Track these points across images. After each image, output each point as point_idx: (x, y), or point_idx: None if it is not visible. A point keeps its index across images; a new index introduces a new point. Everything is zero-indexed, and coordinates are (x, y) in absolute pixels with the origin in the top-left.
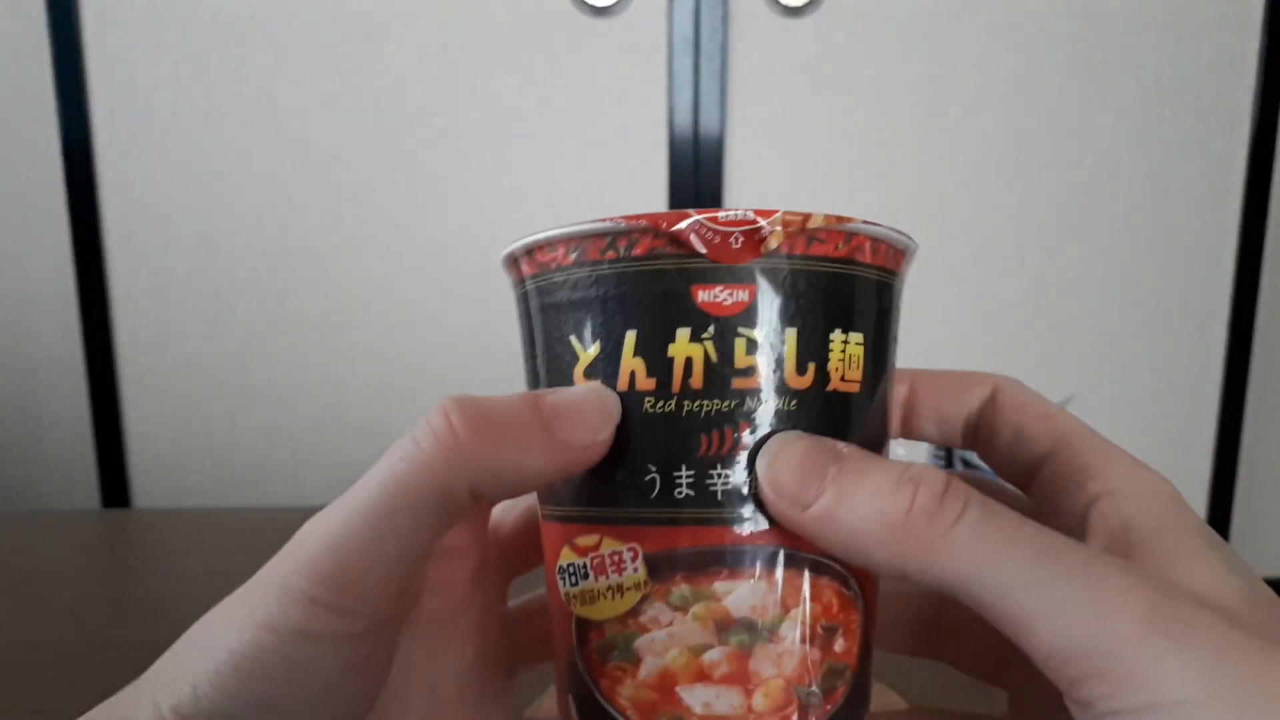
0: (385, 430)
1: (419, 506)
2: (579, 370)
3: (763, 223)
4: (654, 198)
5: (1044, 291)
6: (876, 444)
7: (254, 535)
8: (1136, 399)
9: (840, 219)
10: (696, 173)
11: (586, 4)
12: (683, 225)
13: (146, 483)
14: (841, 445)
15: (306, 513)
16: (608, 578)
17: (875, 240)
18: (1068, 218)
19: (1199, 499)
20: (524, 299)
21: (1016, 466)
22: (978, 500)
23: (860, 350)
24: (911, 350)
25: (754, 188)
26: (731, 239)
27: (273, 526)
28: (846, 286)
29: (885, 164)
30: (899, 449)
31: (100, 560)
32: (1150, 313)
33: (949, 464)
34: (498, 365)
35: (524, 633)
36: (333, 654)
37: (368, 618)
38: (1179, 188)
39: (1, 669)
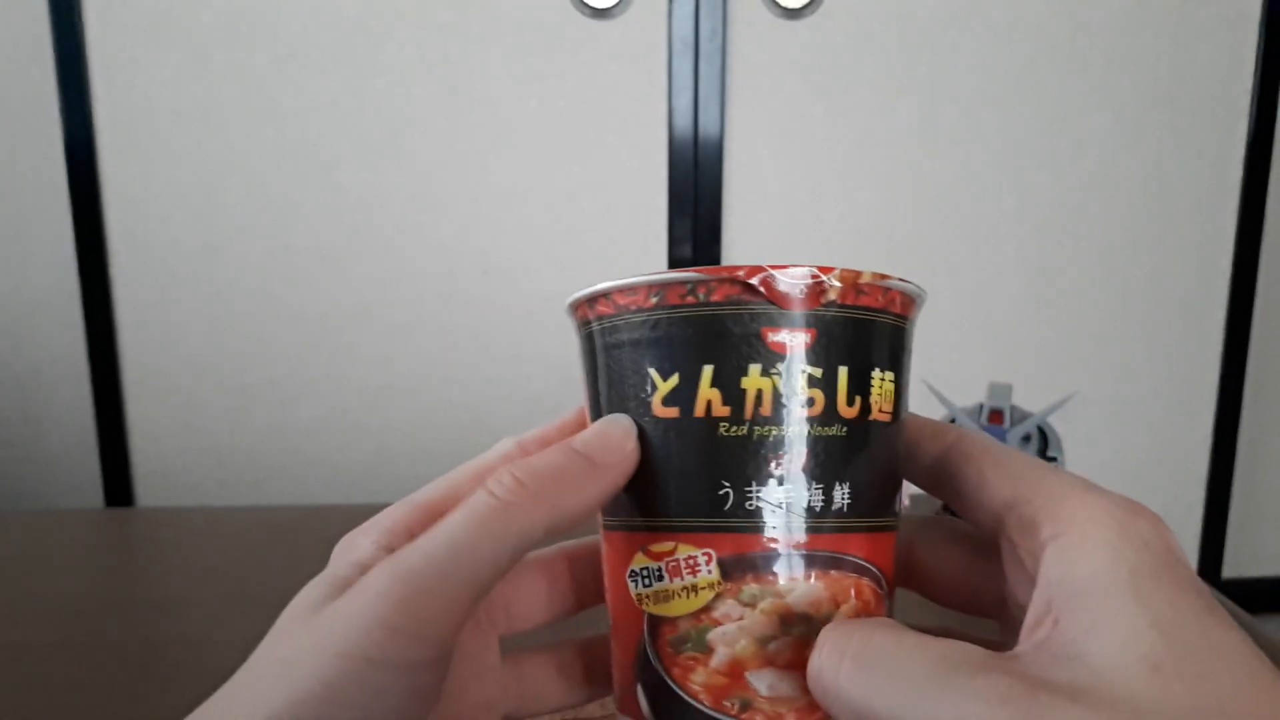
0: (387, 430)
1: (499, 544)
2: (659, 398)
3: (824, 278)
4: (654, 198)
5: (1042, 291)
6: (899, 467)
7: (257, 534)
8: (1134, 397)
9: (882, 276)
10: (696, 173)
11: (587, 6)
12: (756, 279)
13: (150, 482)
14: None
15: (309, 512)
16: (682, 579)
17: (904, 294)
18: (1066, 218)
19: (1196, 497)
20: (598, 335)
21: (983, 514)
22: (857, 651)
23: (893, 386)
24: (912, 350)
25: (753, 188)
26: (796, 290)
27: (276, 525)
28: (882, 332)
29: (884, 164)
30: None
31: (103, 559)
32: (1148, 311)
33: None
34: (497, 365)
35: (518, 680)
36: (405, 680)
37: (439, 645)
38: (1177, 187)
39: (4, 668)
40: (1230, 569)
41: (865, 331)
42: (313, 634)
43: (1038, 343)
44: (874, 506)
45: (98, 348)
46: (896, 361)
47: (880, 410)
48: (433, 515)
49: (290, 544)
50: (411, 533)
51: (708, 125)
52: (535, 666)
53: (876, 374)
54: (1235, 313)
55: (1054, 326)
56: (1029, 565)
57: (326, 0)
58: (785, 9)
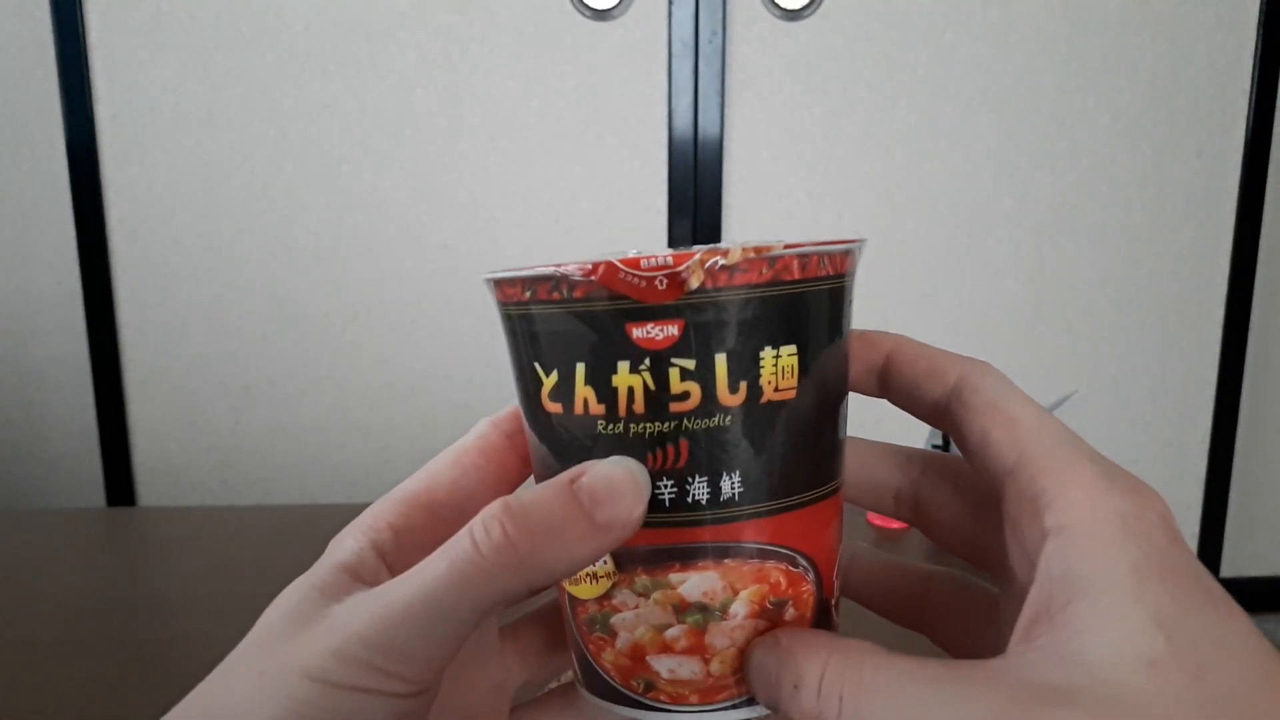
0: (387, 429)
1: (480, 603)
2: (544, 393)
3: (682, 266)
4: (654, 199)
5: (1041, 291)
6: (821, 437)
7: (258, 533)
8: (1133, 397)
9: (759, 249)
10: (696, 174)
11: (587, 7)
12: (611, 278)
13: (151, 481)
14: (782, 636)
15: (310, 511)
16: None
17: (803, 257)
18: (1064, 218)
19: (1194, 497)
20: (503, 319)
21: (987, 471)
22: (850, 691)
23: (793, 360)
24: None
25: (753, 189)
26: (656, 282)
27: (276, 525)
28: (771, 307)
29: (882, 165)
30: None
31: (105, 558)
32: (1146, 311)
33: (945, 447)
34: (498, 365)
35: (518, 651)
36: (385, 707)
37: (420, 684)
38: (1175, 188)
39: (7, 666)
40: (1228, 568)
41: (747, 312)
42: (294, 653)
43: (1036, 343)
44: (779, 489)
45: (99, 347)
46: (798, 333)
47: (776, 390)
48: (414, 508)
49: (291, 543)
50: (395, 529)
51: (708, 126)
52: (533, 635)
53: (768, 353)
54: (1233, 313)
55: (1052, 326)
56: (1028, 547)
57: (328, 1)
58: (785, 10)
